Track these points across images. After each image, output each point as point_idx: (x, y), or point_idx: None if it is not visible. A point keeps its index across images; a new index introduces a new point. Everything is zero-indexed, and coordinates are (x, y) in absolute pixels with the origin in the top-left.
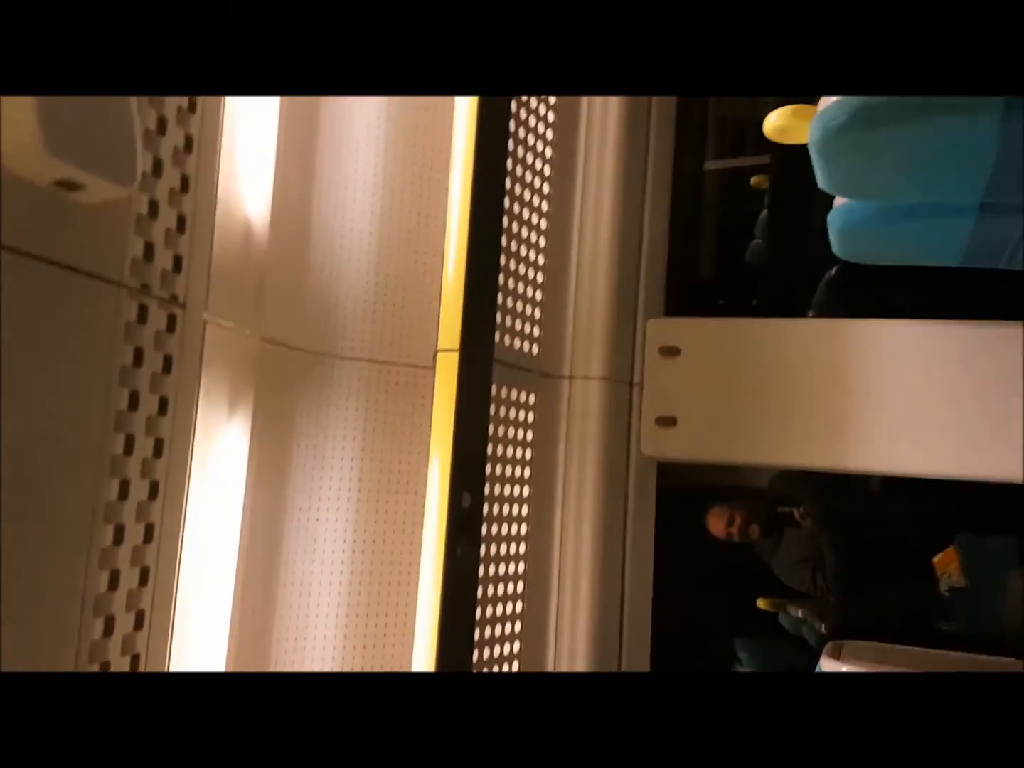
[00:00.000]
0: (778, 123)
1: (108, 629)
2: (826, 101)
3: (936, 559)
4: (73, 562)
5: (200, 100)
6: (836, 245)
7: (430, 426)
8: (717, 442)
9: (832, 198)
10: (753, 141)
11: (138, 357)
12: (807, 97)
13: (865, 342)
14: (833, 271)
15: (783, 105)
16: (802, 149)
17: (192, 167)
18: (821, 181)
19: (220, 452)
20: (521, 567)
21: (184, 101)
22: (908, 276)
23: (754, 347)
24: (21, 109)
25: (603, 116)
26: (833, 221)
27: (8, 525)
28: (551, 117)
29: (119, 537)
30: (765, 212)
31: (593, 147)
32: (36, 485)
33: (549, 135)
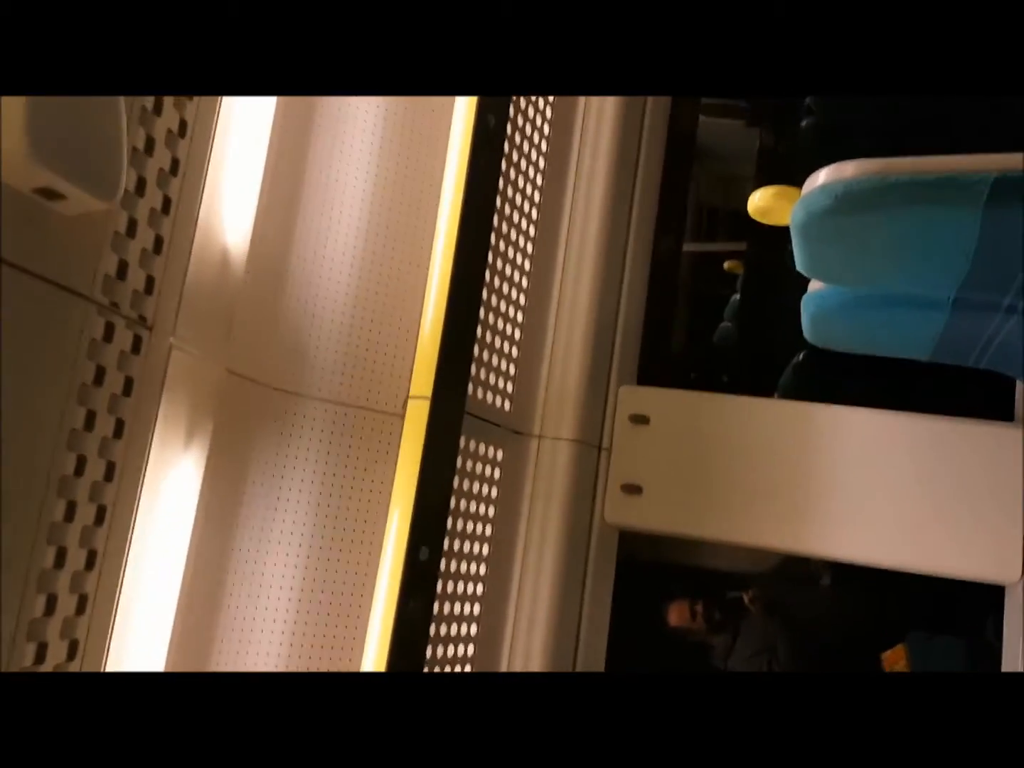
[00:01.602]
0: (761, 203)
1: (40, 657)
2: (810, 184)
3: (885, 655)
4: (10, 581)
5: (190, 123)
6: (807, 329)
7: (393, 474)
8: (681, 515)
9: (805, 283)
10: (727, 228)
11: (99, 376)
12: (790, 181)
13: (830, 427)
14: (801, 355)
15: (767, 186)
16: (778, 235)
17: (175, 190)
18: (799, 263)
19: (172, 482)
20: (474, 628)
21: (175, 123)
22: (876, 365)
23: (722, 423)
24: (10, 113)
25: (589, 182)
26: (806, 306)
27: None
28: (539, 180)
29: (60, 560)
30: (736, 296)
31: (578, 213)
32: None
33: (536, 197)
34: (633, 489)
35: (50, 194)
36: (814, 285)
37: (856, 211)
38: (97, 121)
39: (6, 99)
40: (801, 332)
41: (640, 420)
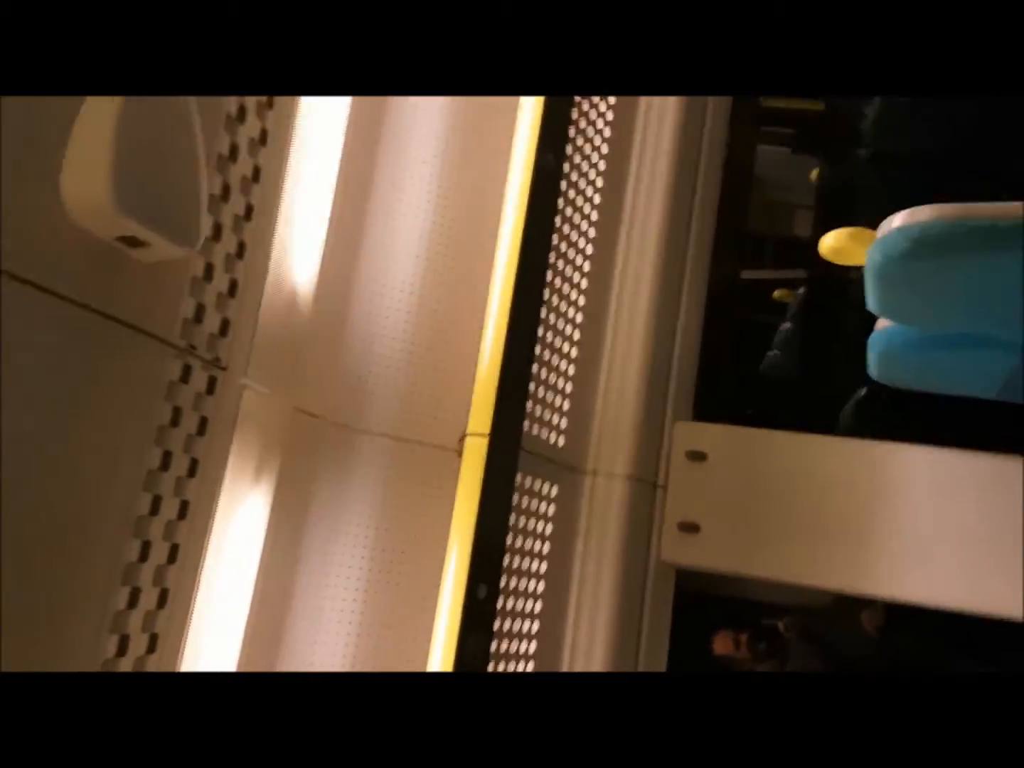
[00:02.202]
0: (835, 244)
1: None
2: (886, 227)
3: None
4: (84, 624)
5: (263, 168)
6: (874, 367)
7: (450, 509)
8: (740, 554)
9: (863, 316)
10: (776, 256)
11: (176, 417)
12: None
13: (892, 465)
14: (863, 391)
15: (840, 229)
16: (833, 266)
17: (250, 234)
18: (872, 304)
19: (240, 519)
20: (530, 666)
21: (249, 169)
22: (939, 402)
23: (782, 460)
24: (94, 162)
25: (645, 215)
26: (874, 344)
27: (25, 575)
28: (594, 215)
29: (134, 600)
30: (786, 325)
31: (633, 246)
32: (59, 539)
33: (591, 231)
34: (690, 527)
35: (133, 242)
36: (881, 323)
37: (932, 255)
38: (178, 169)
39: (90, 147)
40: (860, 366)
41: (697, 457)
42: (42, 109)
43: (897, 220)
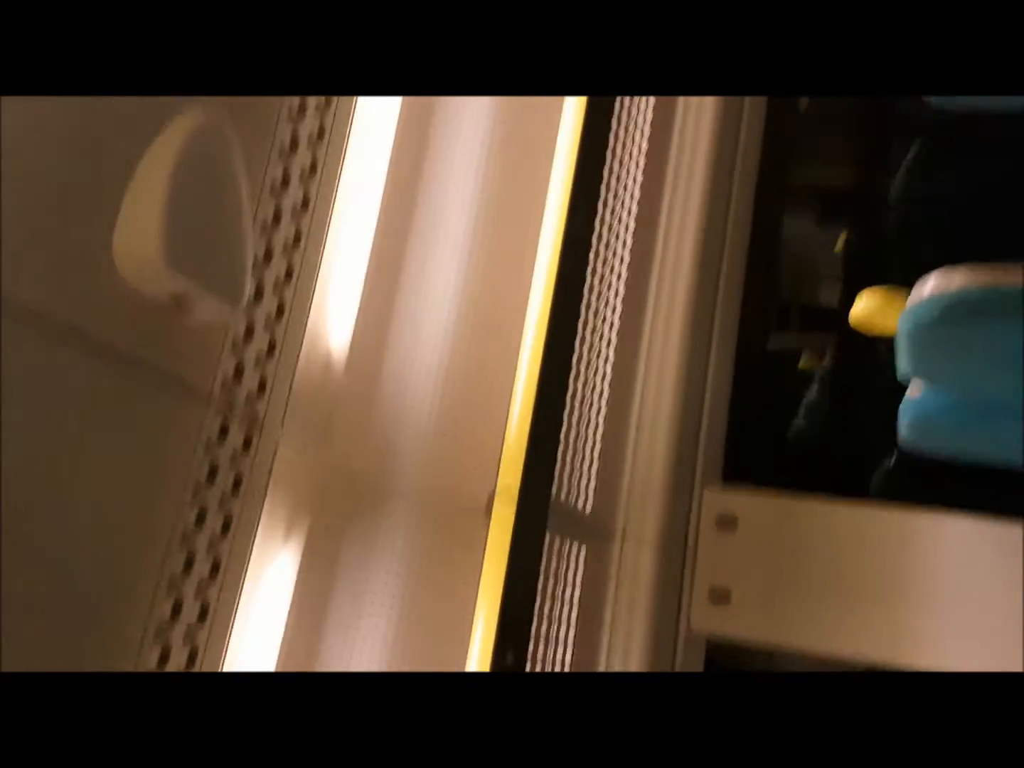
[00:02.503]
0: (865, 311)
1: None
2: (918, 292)
3: None
4: None
5: (305, 232)
6: (905, 435)
7: (477, 571)
8: (772, 624)
9: (890, 384)
10: (801, 323)
11: (212, 474)
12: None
13: (926, 533)
14: (893, 458)
15: (869, 291)
16: (860, 334)
17: (289, 296)
18: (903, 368)
19: (270, 579)
20: None
21: (291, 233)
22: (971, 471)
23: (815, 528)
24: (146, 220)
25: (673, 278)
26: (905, 412)
27: (58, 631)
28: (623, 274)
29: (164, 658)
30: (811, 394)
31: (661, 310)
32: (94, 596)
33: (620, 293)
34: (721, 596)
35: (179, 300)
36: (914, 390)
37: (964, 320)
38: (225, 231)
39: (143, 207)
40: (889, 434)
41: (727, 524)
42: (98, 168)
43: (929, 286)
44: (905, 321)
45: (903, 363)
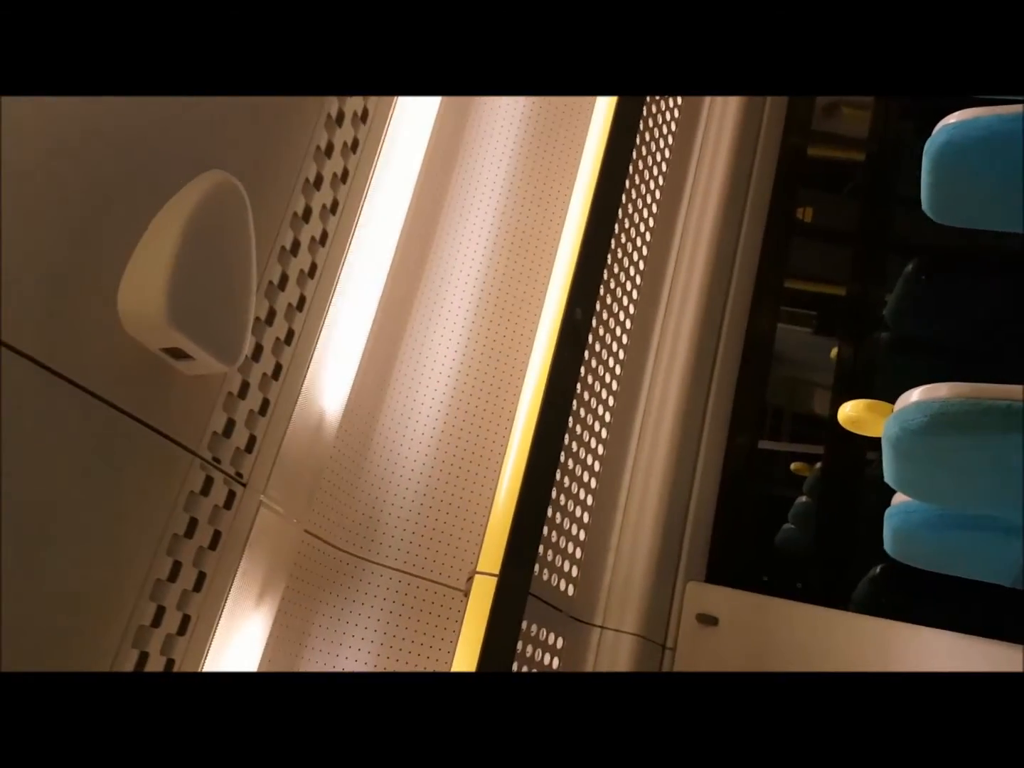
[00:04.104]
0: (853, 414)
1: None
2: (904, 401)
3: None
4: None
5: (309, 296)
6: (889, 543)
7: (453, 649)
8: None
9: (880, 492)
10: (793, 430)
11: (191, 528)
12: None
13: (907, 647)
14: (878, 569)
15: (858, 400)
16: (852, 443)
17: (287, 358)
18: (888, 476)
19: (239, 641)
20: None
21: (295, 298)
22: (958, 586)
23: (794, 630)
24: (153, 276)
25: (666, 376)
26: (890, 519)
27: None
28: (617, 369)
29: None
30: (802, 499)
31: (653, 404)
32: (56, 643)
33: (613, 385)
34: None
35: (177, 354)
36: (898, 498)
37: (949, 431)
38: (229, 291)
39: (151, 263)
40: (876, 543)
41: (708, 620)
42: (111, 219)
43: (915, 395)
44: (890, 427)
45: (888, 470)
